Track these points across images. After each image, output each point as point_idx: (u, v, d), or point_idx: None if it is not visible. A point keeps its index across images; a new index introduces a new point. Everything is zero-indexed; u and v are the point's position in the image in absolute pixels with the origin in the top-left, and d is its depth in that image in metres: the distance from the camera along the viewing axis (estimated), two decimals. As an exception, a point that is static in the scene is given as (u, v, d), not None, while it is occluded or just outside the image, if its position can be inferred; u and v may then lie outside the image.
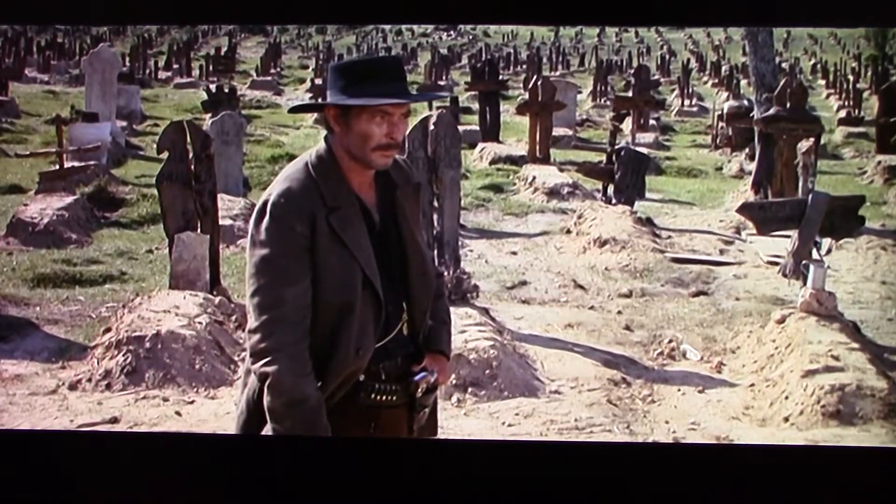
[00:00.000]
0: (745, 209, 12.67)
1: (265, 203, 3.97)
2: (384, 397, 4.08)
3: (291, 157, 23.87)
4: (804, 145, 15.29)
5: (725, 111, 26.97)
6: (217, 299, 10.55)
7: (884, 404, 8.43)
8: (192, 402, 8.66)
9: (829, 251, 13.42)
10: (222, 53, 54.33)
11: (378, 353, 4.03)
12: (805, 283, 10.59)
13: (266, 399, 3.87)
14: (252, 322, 3.94)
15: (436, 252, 10.90)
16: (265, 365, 3.84)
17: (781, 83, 19.58)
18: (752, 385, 9.40)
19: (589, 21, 3.39)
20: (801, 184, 14.40)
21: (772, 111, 18.55)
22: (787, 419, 8.51)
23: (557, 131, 25.75)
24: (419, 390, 4.15)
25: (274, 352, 3.83)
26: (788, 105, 18.53)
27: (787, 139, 18.01)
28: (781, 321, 10.29)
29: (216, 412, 8.41)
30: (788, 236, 12.51)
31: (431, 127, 10.93)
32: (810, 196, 11.89)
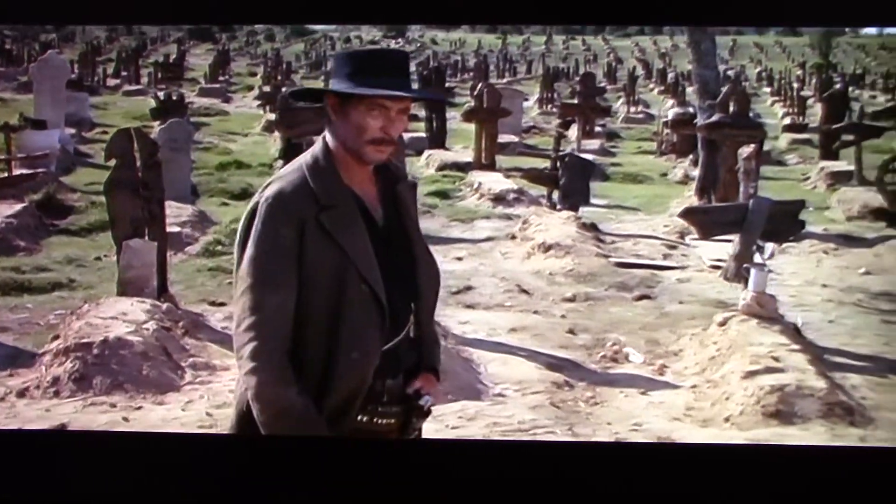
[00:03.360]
0: (687, 214, 12.85)
1: (255, 204, 3.86)
2: (383, 420, 3.86)
3: (240, 165, 24.17)
4: (745, 151, 15.51)
5: (670, 118, 27.28)
6: (165, 306, 10.57)
7: (823, 403, 8.58)
8: (139, 407, 8.67)
9: (772, 255, 13.57)
10: (171, 61, 54.35)
11: (386, 359, 3.81)
12: (746, 287, 10.76)
13: (254, 411, 3.73)
14: (234, 325, 3.84)
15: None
16: (247, 374, 3.70)
17: (724, 90, 19.83)
18: (695, 386, 9.54)
19: (589, 21, 3.37)
20: (742, 189, 14.60)
21: (715, 117, 18.77)
22: (728, 419, 8.63)
23: (504, 138, 25.87)
24: (421, 414, 3.93)
25: (253, 360, 3.68)
26: (731, 111, 18.77)
27: (730, 145, 18.19)
28: (723, 324, 10.46)
29: (164, 417, 8.43)
30: (731, 240, 12.68)
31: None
32: (751, 201, 12.06)
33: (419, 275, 4.03)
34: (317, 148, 3.98)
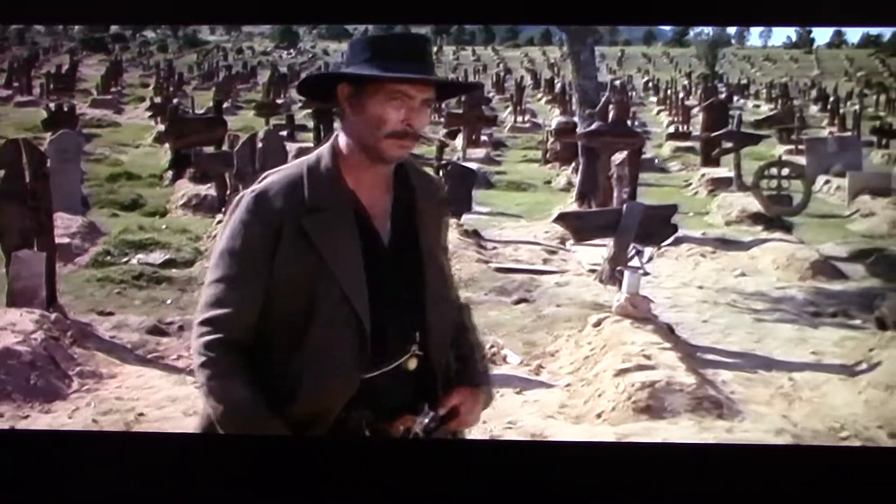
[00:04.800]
0: (562, 219, 13.09)
1: (241, 195, 3.56)
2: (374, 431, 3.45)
3: (130, 176, 24.10)
4: (618, 157, 15.83)
5: (554, 127, 27.66)
6: (53, 316, 10.57)
7: (692, 398, 8.82)
8: (27, 416, 8.69)
9: (650, 259, 13.89)
10: (63, 72, 53.80)
11: (363, 391, 3.41)
12: (620, 289, 11.03)
13: (207, 407, 3.46)
14: (195, 317, 3.55)
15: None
16: (198, 367, 3.43)
17: (603, 99, 20.21)
18: (569, 385, 9.75)
19: (588, 20, 3.27)
20: (616, 194, 14.90)
21: (593, 126, 19.12)
22: (599, 415, 8.84)
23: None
24: (416, 430, 3.47)
25: (205, 352, 3.41)
26: (610, 119, 19.14)
27: (609, 152, 18.54)
28: (598, 325, 10.70)
29: (50, 424, 8.43)
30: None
31: (259, 144, 11.18)
32: (625, 205, 12.37)
33: (427, 304, 3.58)
34: (324, 147, 3.60)
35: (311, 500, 3.45)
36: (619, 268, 11.37)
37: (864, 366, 10.45)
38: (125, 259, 14.88)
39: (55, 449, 3.54)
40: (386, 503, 3.44)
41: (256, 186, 3.51)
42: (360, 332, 3.41)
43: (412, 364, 3.49)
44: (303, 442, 3.40)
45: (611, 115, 19.39)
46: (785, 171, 21.62)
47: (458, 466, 3.48)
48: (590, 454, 3.70)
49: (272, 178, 3.53)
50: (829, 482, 3.28)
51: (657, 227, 12.16)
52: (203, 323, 3.47)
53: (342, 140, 3.56)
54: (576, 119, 22.21)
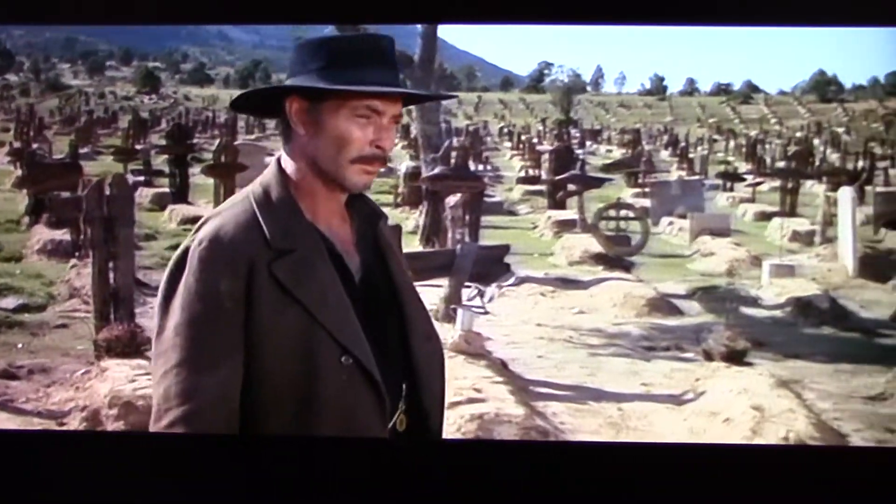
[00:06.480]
0: (401, 260, 13.40)
1: (184, 252, 2.85)
2: None
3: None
4: (451, 200, 16.21)
5: (403, 171, 28.12)
6: None
7: (520, 428, 9.08)
8: None
9: (491, 298, 14.25)
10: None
11: None
12: (455, 326, 11.37)
13: None
14: (153, 419, 2.84)
15: (112, 308, 11.34)
16: None
17: (445, 144, 20.66)
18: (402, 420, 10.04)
19: (588, 20, 3.00)
20: (450, 235, 15.26)
21: (436, 170, 19.55)
22: (430, 447, 9.16)
23: (247, 193, 26.15)
24: None
25: None
26: (452, 164, 19.61)
27: (452, 195, 18.95)
28: (433, 360, 11.01)
29: None
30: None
31: (107, 189, 11.33)
32: (458, 246, 12.73)
33: (413, 346, 3.05)
34: (268, 174, 2.98)
35: (312, 501, 3.00)
36: (453, 306, 11.71)
37: (690, 395, 10.86)
38: (-21, 304, 14.88)
39: (55, 449, 3.16)
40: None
41: (200, 236, 2.84)
42: (374, 389, 2.86)
43: (402, 425, 2.98)
44: (302, 442, 2.94)
45: (453, 160, 19.90)
46: (623, 213, 22.29)
47: (443, 467, 3.02)
48: (588, 454, 3.34)
49: (215, 222, 2.87)
50: (830, 482, 3.16)
51: (491, 266, 12.54)
52: (176, 422, 2.77)
53: (289, 165, 2.96)
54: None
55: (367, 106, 2.86)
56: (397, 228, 3.08)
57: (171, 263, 2.86)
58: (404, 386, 2.98)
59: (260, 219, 2.84)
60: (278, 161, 2.97)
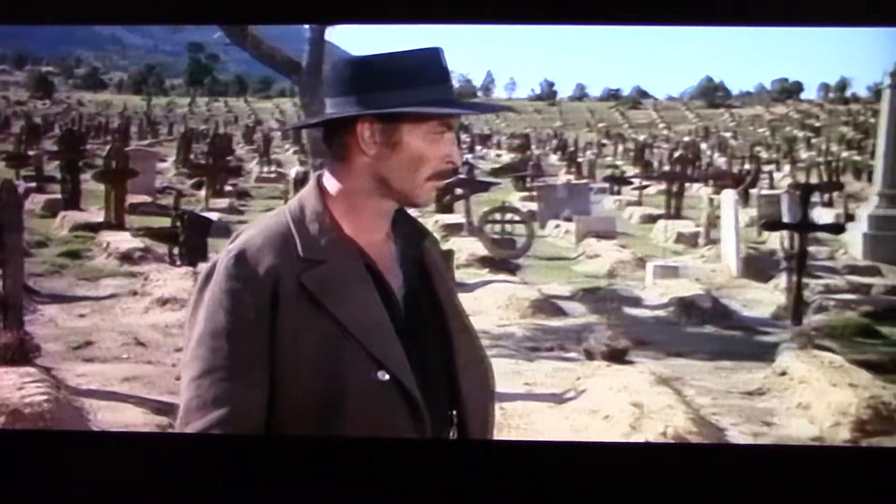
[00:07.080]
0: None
1: (213, 263, 2.82)
2: None
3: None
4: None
5: (292, 176, 28.21)
6: None
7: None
8: None
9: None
10: None
11: None
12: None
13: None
14: (178, 422, 2.79)
15: (0, 315, 11.40)
16: None
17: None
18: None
19: (588, 20, 2.94)
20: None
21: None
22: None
23: (138, 198, 26.21)
24: None
25: None
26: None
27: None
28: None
29: None
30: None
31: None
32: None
33: (460, 370, 2.95)
34: (306, 191, 2.91)
35: (312, 500, 2.88)
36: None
37: (571, 393, 11.04)
38: None
39: (55, 449, 3.10)
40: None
41: (231, 246, 2.79)
42: (413, 407, 2.75)
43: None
44: (303, 441, 2.82)
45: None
46: (509, 216, 22.59)
47: (451, 467, 2.91)
48: (586, 454, 3.24)
49: (247, 234, 2.83)
50: (828, 482, 3.10)
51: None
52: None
53: (332, 184, 2.87)
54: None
55: (442, 124, 2.82)
56: (448, 253, 2.67)
57: (201, 274, 2.83)
58: (454, 413, 2.90)
59: (293, 230, 2.78)
60: (318, 178, 2.89)
